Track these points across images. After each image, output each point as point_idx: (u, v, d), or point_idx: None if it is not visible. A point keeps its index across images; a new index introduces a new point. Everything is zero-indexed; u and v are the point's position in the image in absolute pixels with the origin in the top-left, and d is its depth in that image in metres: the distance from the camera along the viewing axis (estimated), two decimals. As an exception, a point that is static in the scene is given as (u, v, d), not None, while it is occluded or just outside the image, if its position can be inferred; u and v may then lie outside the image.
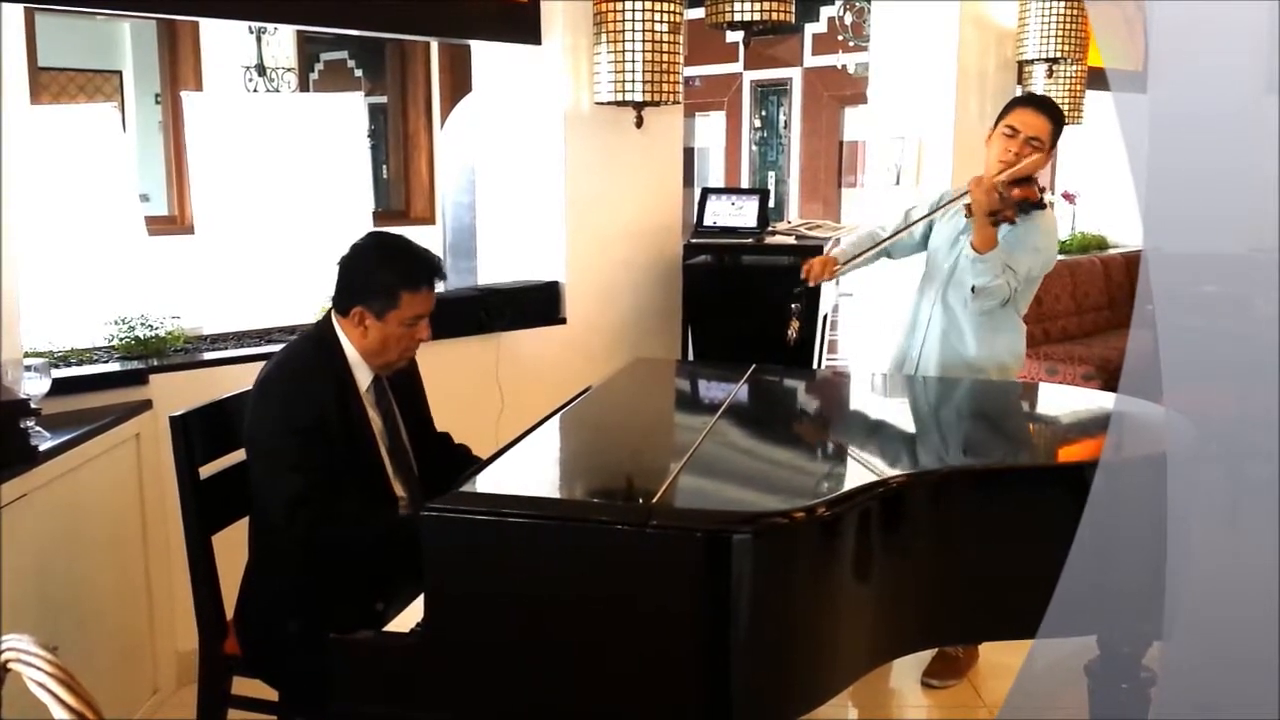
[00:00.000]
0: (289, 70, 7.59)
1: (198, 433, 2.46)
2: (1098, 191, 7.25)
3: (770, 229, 4.71)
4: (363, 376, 2.45)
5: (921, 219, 3.32)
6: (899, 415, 3.09)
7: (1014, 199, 3.11)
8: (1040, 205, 3.22)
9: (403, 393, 2.61)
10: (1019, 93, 5.80)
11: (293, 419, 2.30)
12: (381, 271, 2.39)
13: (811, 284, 3.24)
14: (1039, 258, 3.22)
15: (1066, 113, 5.76)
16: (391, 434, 2.54)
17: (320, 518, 2.28)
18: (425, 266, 2.42)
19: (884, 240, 3.34)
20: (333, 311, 2.46)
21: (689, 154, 12.56)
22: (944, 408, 3.11)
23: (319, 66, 8.77)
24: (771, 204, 9.43)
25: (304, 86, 7.98)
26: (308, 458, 2.29)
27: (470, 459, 2.70)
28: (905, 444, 2.77)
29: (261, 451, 2.35)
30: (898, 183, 5.41)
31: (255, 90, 7.33)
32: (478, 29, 4.00)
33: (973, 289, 3.17)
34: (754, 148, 13.02)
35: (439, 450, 2.70)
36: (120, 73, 8.04)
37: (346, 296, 2.41)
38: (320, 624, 2.11)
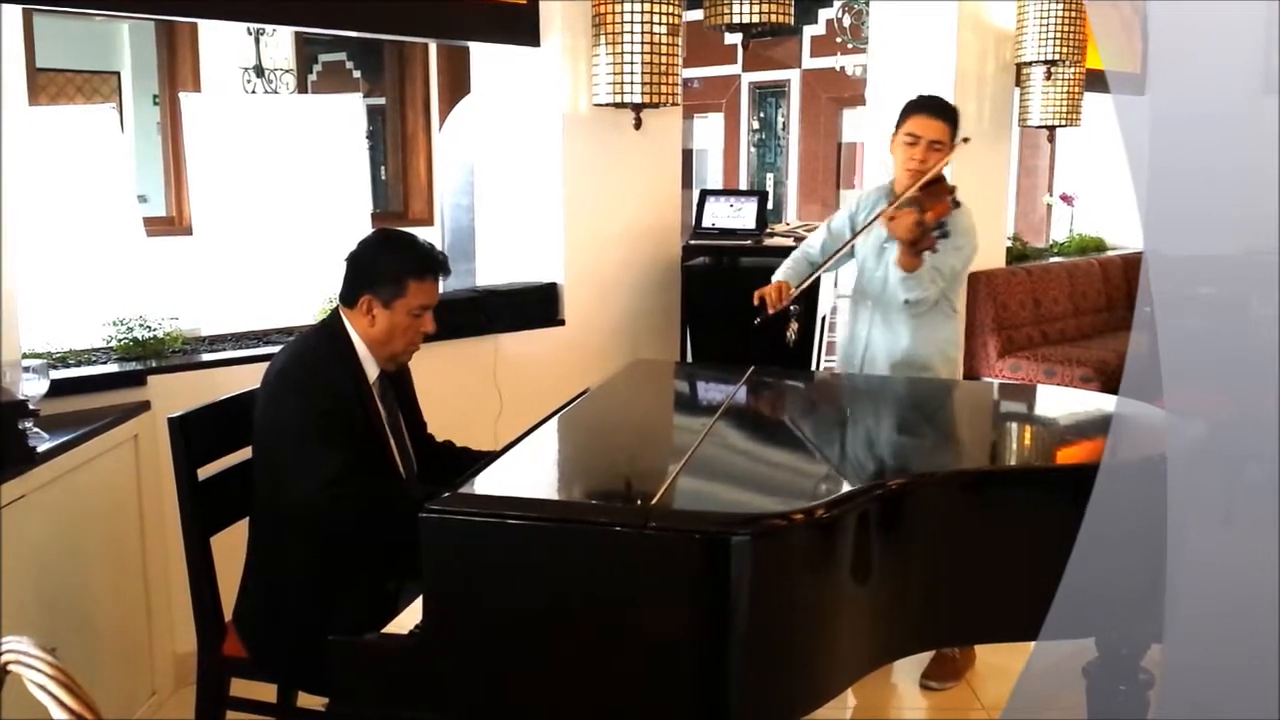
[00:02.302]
0: (287, 71, 7.59)
1: (196, 434, 2.46)
2: (1096, 193, 7.25)
3: (769, 231, 4.72)
4: (370, 369, 2.48)
5: (847, 243, 3.38)
6: (898, 418, 3.09)
7: (931, 225, 3.16)
8: (955, 205, 3.28)
9: (400, 394, 2.63)
10: (1016, 95, 5.82)
11: (318, 403, 2.34)
12: (390, 261, 2.44)
13: (771, 312, 3.27)
14: (961, 255, 3.31)
15: (1065, 115, 5.78)
16: (394, 430, 2.56)
17: (363, 492, 2.32)
18: (432, 258, 2.47)
19: (823, 264, 3.40)
20: (340, 306, 2.49)
21: (687, 156, 12.57)
22: (943, 410, 3.12)
23: (317, 68, 8.78)
24: (770, 206, 9.43)
25: (302, 88, 7.98)
26: (339, 438, 2.33)
27: (459, 453, 2.71)
28: (904, 445, 2.77)
29: (288, 437, 2.36)
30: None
31: (253, 91, 7.33)
32: (476, 30, 4.00)
33: (906, 301, 3.28)
34: (752, 149, 13.03)
35: (443, 457, 2.71)
36: (118, 74, 8.05)
37: (355, 286, 2.45)
38: (330, 615, 2.17)
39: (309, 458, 2.31)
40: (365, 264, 2.46)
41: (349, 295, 2.46)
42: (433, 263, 2.46)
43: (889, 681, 3.41)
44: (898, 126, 3.32)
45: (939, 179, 3.27)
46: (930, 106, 3.31)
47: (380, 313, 2.42)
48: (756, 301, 3.30)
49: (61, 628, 2.68)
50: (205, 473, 2.48)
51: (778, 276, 3.44)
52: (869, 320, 3.46)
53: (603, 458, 2.53)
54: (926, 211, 3.17)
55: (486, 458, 2.31)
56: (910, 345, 3.37)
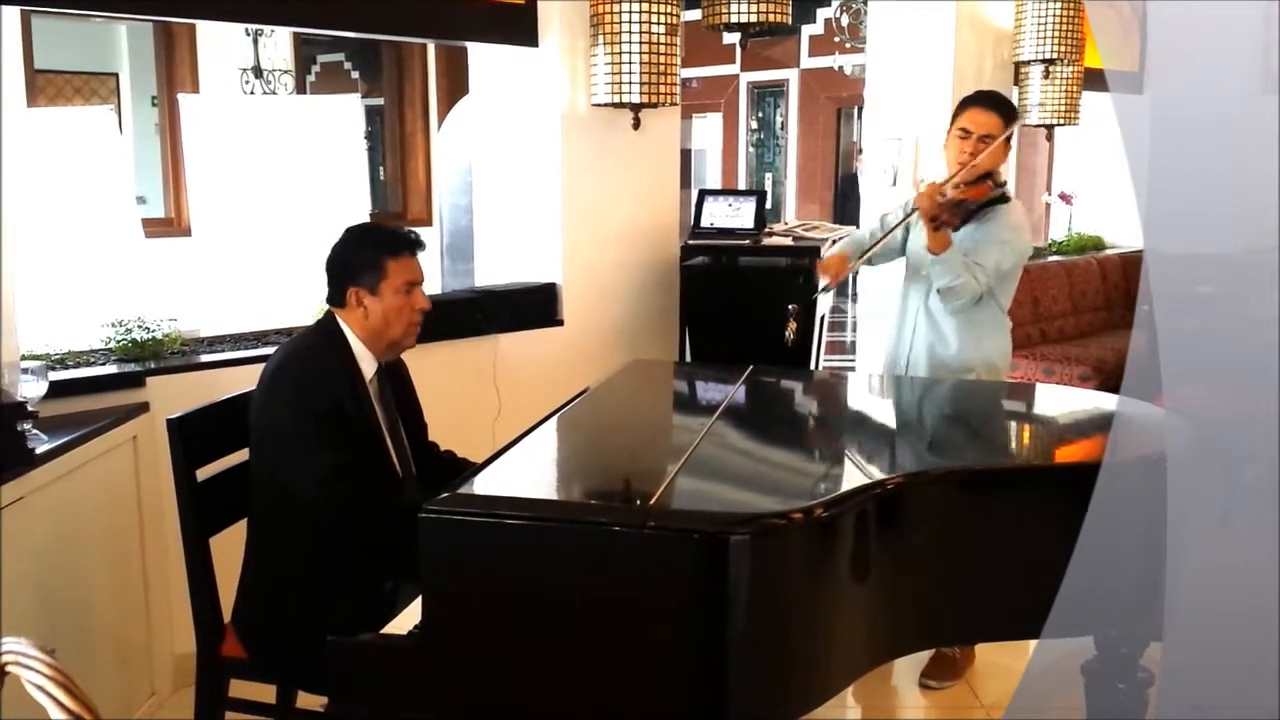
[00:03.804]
0: (286, 72, 7.59)
1: (195, 435, 2.46)
2: (1094, 192, 7.25)
3: (767, 230, 4.72)
4: (367, 367, 2.48)
5: (896, 225, 3.34)
6: (896, 416, 3.09)
7: (954, 202, 3.12)
8: (1002, 199, 3.24)
9: (399, 395, 2.63)
10: (1015, 94, 5.82)
11: (314, 402, 2.35)
12: (362, 248, 2.48)
13: (833, 285, 3.28)
14: (1007, 249, 3.24)
15: (1063, 114, 5.78)
16: (392, 430, 2.56)
17: (358, 491, 2.33)
18: (400, 234, 2.51)
19: (872, 246, 3.36)
20: (332, 310, 2.50)
21: (686, 155, 12.60)
22: (941, 409, 3.12)
23: (316, 68, 8.78)
24: (768, 205, 9.42)
25: (301, 88, 7.98)
26: (334, 437, 2.34)
27: (458, 464, 2.71)
28: (902, 445, 2.77)
29: (284, 436, 2.36)
30: (894, 184, 5.41)
31: (252, 92, 7.33)
32: (474, 31, 4.00)
33: (938, 290, 3.22)
34: (751, 149, 13.05)
35: (444, 468, 2.71)
36: (117, 75, 8.05)
37: (339, 284, 2.47)
38: (329, 615, 2.18)
39: (304, 457, 2.32)
40: (342, 260, 2.48)
41: (336, 295, 2.48)
42: (403, 238, 2.49)
43: (889, 680, 3.41)
44: (952, 122, 3.27)
45: (990, 174, 3.21)
46: (983, 100, 3.26)
47: (370, 301, 2.44)
48: (819, 272, 3.29)
49: (60, 629, 2.68)
50: (204, 474, 2.48)
51: (837, 250, 3.41)
52: (914, 319, 3.40)
53: (601, 458, 2.52)
54: (961, 193, 3.12)
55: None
56: (955, 351, 3.32)
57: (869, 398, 3.27)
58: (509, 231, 4.42)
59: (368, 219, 5.43)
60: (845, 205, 10.81)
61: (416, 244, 2.51)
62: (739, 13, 4.02)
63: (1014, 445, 2.89)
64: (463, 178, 5.68)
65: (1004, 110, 3.24)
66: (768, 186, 12.68)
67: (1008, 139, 3.24)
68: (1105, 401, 3.01)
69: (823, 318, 4.71)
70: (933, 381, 3.31)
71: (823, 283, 3.30)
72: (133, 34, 7.81)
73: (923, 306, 3.36)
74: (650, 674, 1.87)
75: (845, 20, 9.30)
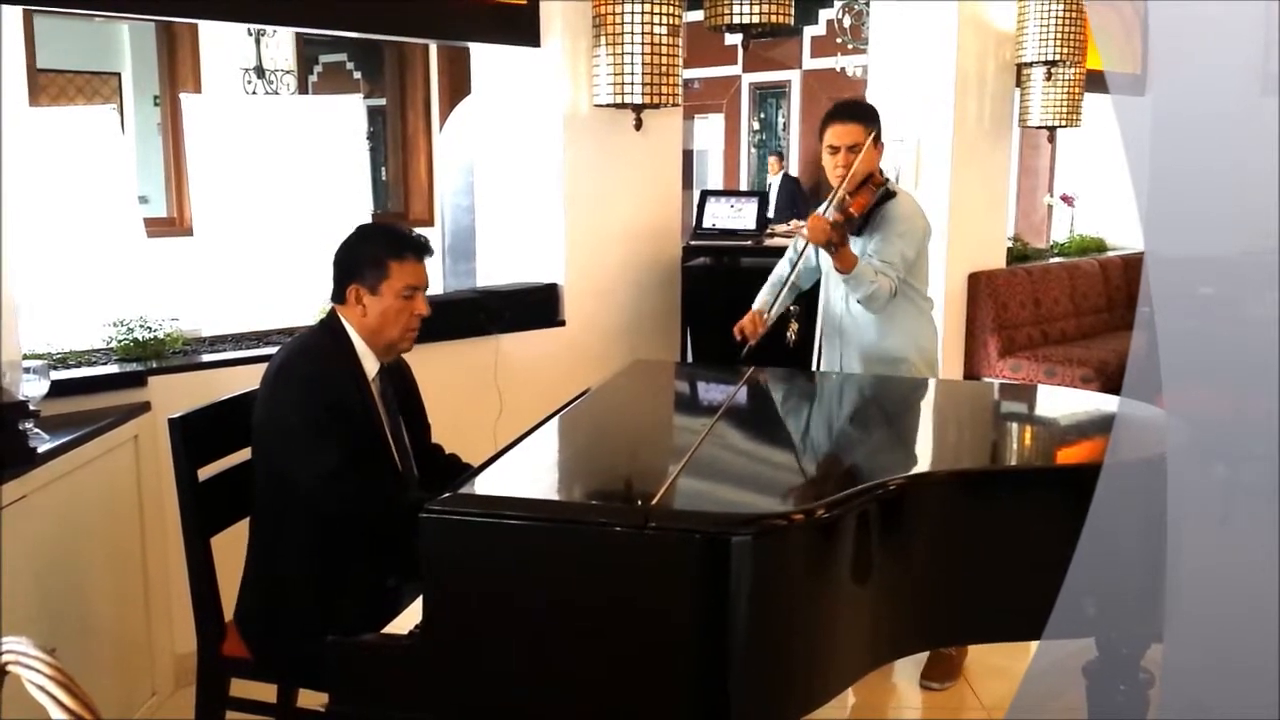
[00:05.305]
0: (288, 72, 7.60)
1: (196, 434, 2.46)
2: (1096, 194, 7.25)
3: (769, 231, 4.72)
4: (370, 366, 2.49)
5: (793, 271, 3.46)
6: (897, 417, 3.09)
7: (842, 222, 3.19)
8: (888, 196, 3.30)
9: (401, 396, 2.63)
10: (1017, 96, 5.82)
11: (321, 396, 2.36)
12: (368, 248, 2.48)
13: (754, 342, 3.34)
14: (907, 240, 3.31)
15: (1065, 115, 5.77)
16: (394, 429, 2.56)
17: (359, 491, 2.35)
18: (407, 238, 2.51)
19: (787, 277, 3.47)
20: (334, 306, 2.51)
21: (688, 156, 12.60)
22: (943, 410, 3.11)
23: (318, 68, 8.79)
24: (770, 206, 9.41)
25: (303, 88, 7.99)
26: (340, 433, 2.35)
27: (461, 468, 2.71)
28: (904, 446, 2.77)
29: (288, 432, 2.37)
30: (897, 183, 5.41)
31: (254, 92, 7.34)
32: (476, 31, 4.00)
33: (858, 301, 3.30)
34: (753, 150, 13.04)
35: (447, 470, 2.71)
36: (119, 74, 8.05)
37: (341, 281, 2.48)
38: (331, 612, 2.19)
39: (309, 451, 2.32)
40: (347, 257, 2.50)
41: (338, 292, 2.49)
42: (409, 241, 2.49)
43: (888, 681, 3.41)
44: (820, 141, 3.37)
45: (870, 176, 3.30)
46: (840, 113, 3.35)
47: (369, 300, 2.45)
48: (737, 336, 3.36)
49: (61, 628, 2.68)
50: (205, 473, 2.49)
51: (755, 304, 3.50)
52: (838, 326, 3.48)
53: (603, 458, 2.52)
54: (846, 209, 3.21)
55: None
56: (884, 346, 3.39)
57: (870, 399, 3.27)
58: (511, 232, 4.42)
59: (370, 219, 5.45)
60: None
61: (423, 248, 2.51)
62: (741, 14, 4.02)
63: (1016, 446, 2.89)
64: (464, 178, 5.69)
65: (861, 116, 3.33)
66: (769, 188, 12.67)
67: (876, 141, 3.31)
68: (1106, 403, 3.01)
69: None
70: (933, 383, 3.31)
71: (748, 345, 3.35)
72: (135, 34, 7.81)
73: (846, 311, 3.44)
74: (651, 674, 1.87)
75: (847, 21, 9.29)
